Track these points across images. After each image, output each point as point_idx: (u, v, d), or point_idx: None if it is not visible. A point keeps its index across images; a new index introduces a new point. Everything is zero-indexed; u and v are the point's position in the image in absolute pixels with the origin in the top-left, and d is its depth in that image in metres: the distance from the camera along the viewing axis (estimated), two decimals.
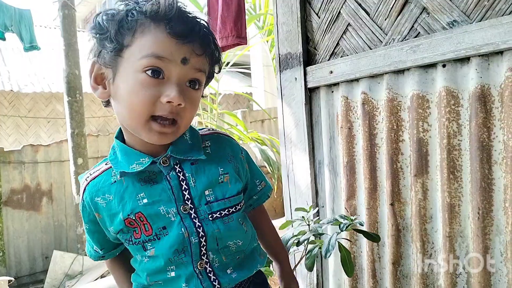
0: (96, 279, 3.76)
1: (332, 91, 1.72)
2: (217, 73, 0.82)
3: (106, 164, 0.82)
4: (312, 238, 1.35)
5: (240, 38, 1.74)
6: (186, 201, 0.78)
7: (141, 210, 0.77)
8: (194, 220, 0.78)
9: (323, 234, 1.34)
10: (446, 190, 1.29)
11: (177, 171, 0.78)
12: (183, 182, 0.78)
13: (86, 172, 0.85)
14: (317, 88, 1.76)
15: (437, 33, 1.29)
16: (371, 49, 1.52)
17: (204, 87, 0.80)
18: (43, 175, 4.81)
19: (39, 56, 7.75)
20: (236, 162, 0.86)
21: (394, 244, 1.45)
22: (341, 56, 1.64)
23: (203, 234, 0.78)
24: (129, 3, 0.71)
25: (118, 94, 0.73)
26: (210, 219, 0.79)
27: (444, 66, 1.28)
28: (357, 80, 1.58)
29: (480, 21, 1.20)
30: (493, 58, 1.19)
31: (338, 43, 1.66)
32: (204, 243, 0.78)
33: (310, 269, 1.26)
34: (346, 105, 1.64)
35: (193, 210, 0.78)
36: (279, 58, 1.88)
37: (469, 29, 1.20)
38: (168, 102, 0.69)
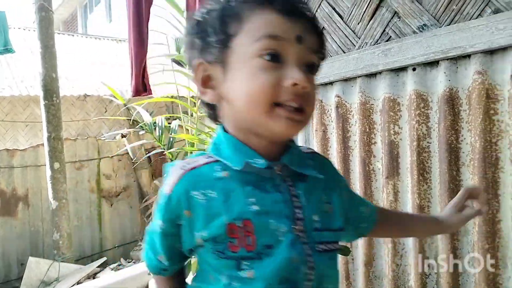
0: (73, 286, 3.68)
1: None
2: (322, 60, 0.69)
3: (206, 158, 0.68)
4: None
5: None
6: (298, 221, 0.65)
7: (251, 218, 0.63)
8: (304, 246, 0.64)
9: None
10: (416, 192, 1.31)
11: (288, 183, 0.67)
12: (295, 198, 0.66)
13: (178, 162, 0.70)
14: None
15: (408, 37, 1.31)
16: (344, 52, 1.54)
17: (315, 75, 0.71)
18: (19, 180, 4.70)
19: (17, 59, 7.60)
20: (341, 190, 0.76)
21: (367, 246, 1.46)
22: None
23: (312, 265, 0.64)
24: None
25: (232, 90, 0.64)
26: (318, 250, 0.65)
27: (414, 69, 1.31)
28: (331, 83, 1.60)
29: (449, 25, 1.23)
30: (461, 61, 1.21)
31: None
32: (311, 277, 0.64)
33: None
34: (321, 108, 1.66)
35: (304, 234, 0.65)
36: None
37: (438, 33, 1.23)
38: (294, 85, 0.60)
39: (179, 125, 4.04)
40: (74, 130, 7.79)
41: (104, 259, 4.39)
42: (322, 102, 1.65)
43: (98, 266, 4.23)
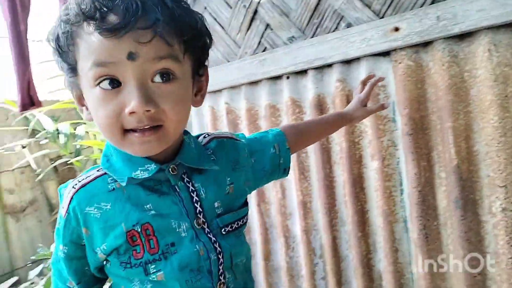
0: None
1: None
2: (189, 44, 0.62)
3: (98, 171, 0.67)
4: None
5: None
6: (199, 215, 0.68)
7: (150, 221, 0.64)
8: (208, 235, 0.68)
9: None
10: (299, 189, 1.43)
11: (185, 181, 0.68)
12: (193, 194, 0.68)
13: (70, 181, 0.69)
14: None
15: (280, 47, 1.41)
16: (228, 61, 1.60)
17: (202, 63, 0.68)
18: None
19: None
20: (242, 166, 0.77)
21: (264, 242, 1.57)
22: None
23: (220, 250, 0.68)
24: (61, 12, 0.59)
25: (91, 114, 0.63)
26: (223, 233, 0.70)
27: (288, 78, 1.41)
28: (219, 90, 1.66)
29: (312, 37, 1.34)
30: (325, 70, 1.33)
31: None
32: (222, 260, 0.68)
33: None
34: (213, 114, 1.71)
35: (206, 224, 0.68)
36: None
37: (303, 44, 1.33)
38: (131, 113, 0.56)
39: (86, 132, 3.87)
40: None
41: (16, 278, 4.11)
42: (214, 108, 1.71)
43: (10, 286, 3.96)
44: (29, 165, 4.07)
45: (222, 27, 1.59)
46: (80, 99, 0.66)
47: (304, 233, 1.43)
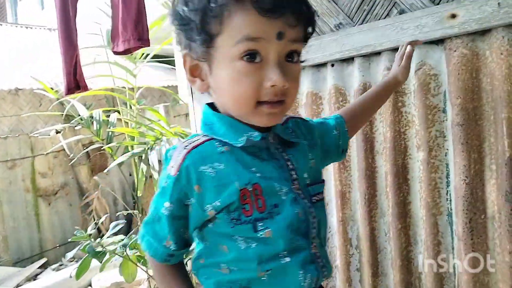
0: None
1: None
2: (311, 34, 0.70)
3: (203, 136, 0.72)
4: None
5: (142, 41, 1.74)
6: (294, 181, 0.73)
7: (258, 182, 0.69)
8: (304, 200, 0.73)
9: None
10: (338, 179, 1.41)
11: (279, 150, 0.74)
12: (288, 162, 0.74)
13: (176, 145, 0.73)
14: None
15: (326, 34, 1.40)
16: None
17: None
18: None
19: None
20: (314, 145, 0.82)
21: None
22: None
23: (314, 215, 0.73)
24: None
25: (218, 86, 0.69)
26: (313, 201, 0.74)
27: (332, 65, 1.40)
28: None
29: (361, 24, 1.32)
30: (373, 58, 1.31)
31: None
32: (315, 225, 0.73)
33: None
34: None
35: (301, 191, 0.73)
36: None
37: (351, 31, 1.32)
38: (273, 86, 0.64)
39: (118, 119, 3.95)
40: (6, 127, 7.33)
41: (45, 260, 4.24)
42: None
43: (39, 267, 4.08)
44: (63, 150, 4.19)
45: None
46: (193, 70, 0.71)
47: (341, 224, 1.42)
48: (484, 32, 1.08)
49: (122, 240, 1.55)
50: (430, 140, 1.19)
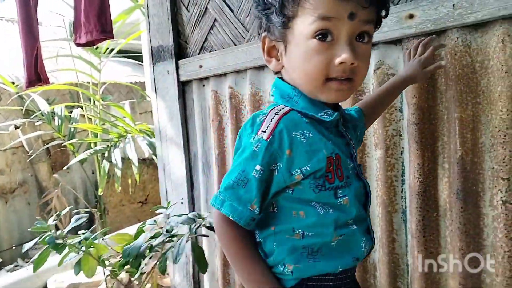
0: None
1: (204, 85, 1.76)
2: (384, 17, 0.76)
3: (283, 107, 0.75)
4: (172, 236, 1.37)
5: (105, 33, 1.70)
6: (354, 159, 0.80)
7: (339, 153, 0.74)
8: (361, 176, 0.81)
9: (176, 236, 1.36)
10: None
11: (343, 129, 0.81)
12: (351, 141, 0.81)
13: (261, 111, 0.76)
14: (190, 81, 1.79)
15: None
16: (235, 45, 1.59)
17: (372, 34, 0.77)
18: None
19: None
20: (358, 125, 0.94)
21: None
22: (210, 51, 1.69)
23: (367, 189, 0.81)
24: None
25: (291, 64, 0.74)
26: (362, 177, 0.82)
27: None
28: (224, 74, 1.65)
29: None
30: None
31: (206, 38, 1.70)
32: (369, 199, 0.82)
33: (163, 272, 1.28)
34: (216, 99, 1.70)
35: (358, 167, 0.81)
36: (151, 50, 1.87)
37: None
38: (341, 63, 0.68)
39: (81, 115, 3.83)
40: None
41: None
42: (217, 93, 1.69)
43: None
44: (22, 146, 4.03)
45: (231, 10, 1.58)
46: (270, 51, 0.78)
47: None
48: (440, 33, 1.10)
49: (84, 234, 1.49)
50: (387, 138, 1.21)
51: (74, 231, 1.95)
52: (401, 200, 1.22)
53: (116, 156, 3.38)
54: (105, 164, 3.43)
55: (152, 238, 1.32)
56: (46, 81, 2.16)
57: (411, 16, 1.11)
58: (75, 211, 3.49)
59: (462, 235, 1.08)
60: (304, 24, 0.69)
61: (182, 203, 1.84)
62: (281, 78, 0.80)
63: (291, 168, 0.71)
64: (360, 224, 0.78)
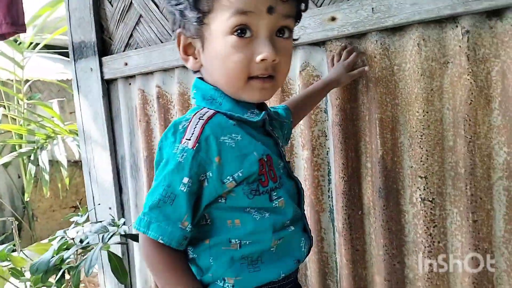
0: None
1: (130, 84, 1.68)
2: (304, 11, 0.74)
3: (208, 110, 0.70)
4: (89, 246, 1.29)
5: (17, 26, 1.56)
6: (283, 158, 0.78)
7: (270, 153, 0.71)
8: (292, 174, 0.79)
9: (89, 246, 1.28)
10: None
11: (271, 128, 0.78)
12: (278, 140, 0.78)
13: (183, 117, 0.70)
14: (115, 80, 1.70)
15: None
16: (162, 42, 1.53)
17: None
18: None
19: None
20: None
21: None
22: (136, 48, 1.61)
23: (298, 185, 0.80)
24: None
25: (210, 62, 0.70)
26: (291, 174, 0.79)
27: None
28: (151, 73, 1.58)
29: None
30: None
31: (132, 34, 1.62)
32: (303, 196, 0.81)
33: (76, 287, 1.20)
34: (143, 98, 1.63)
35: (287, 164, 0.78)
36: (73, 46, 1.75)
37: None
38: (263, 60, 0.65)
39: (3, 114, 3.55)
40: None
41: None
42: (144, 92, 1.62)
43: None
44: None
45: (157, 5, 1.52)
46: (186, 49, 0.73)
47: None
48: (360, 36, 1.12)
49: None
50: (313, 139, 1.21)
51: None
52: (328, 199, 1.23)
53: (44, 158, 3.18)
54: (32, 167, 3.21)
55: (64, 249, 1.23)
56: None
57: (333, 19, 1.12)
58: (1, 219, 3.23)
59: (385, 232, 1.11)
60: (221, 20, 0.65)
61: (110, 208, 1.75)
62: (201, 78, 0.76)
63: (222, 176, 0.66)
64: (297, 224, 0.76)
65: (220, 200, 0.69)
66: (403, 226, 1.11)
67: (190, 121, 0.68)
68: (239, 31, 0.65)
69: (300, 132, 1.25)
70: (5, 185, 3.99)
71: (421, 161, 1.05)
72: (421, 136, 1.05)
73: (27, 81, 3.54)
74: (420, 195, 1.06)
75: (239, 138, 0.68)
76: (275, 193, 0.71)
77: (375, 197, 1.13)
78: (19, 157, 3.27)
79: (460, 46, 0.99)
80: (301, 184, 0.81)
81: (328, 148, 1.21)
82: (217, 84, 0.71)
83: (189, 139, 0.65)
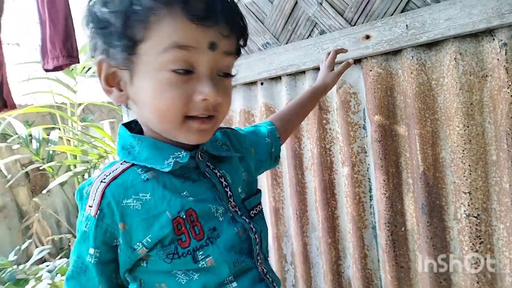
0: None
1: None
2: (243, 47, 0.67)
3: (122, 164, 0.64)
4: None
5: (72, 58, 1.70)
6: (230, 199, 0.68)
7: (192, 207, 0.62)
8: (242, 217, 0.68)
9: None
10: (271, 196, 1.42)
11: (211, 168, 0.69)
12: (221, 179, 0.69)
13: (90, 179, 0.64)
14: None
15: (254, 53, 1.41)
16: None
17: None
18: None
19: None
20: (246, 155, 0.79)
21: None
22: None
23: (255, 230, 0.69)
24: None
25: (140, 97, 0.61)
26: (252, 215, 0.71)
27: (262, 84, 1.41)
28: None
29: (286, 43, 1.35)
30: (299, 76, 1.34)
31: None
32: (258, 240, 0.69)
33: None
34: None
35: (237, 207, 0.69)
36: None
37: (277, 50, 1.34)
38: (204, 100, 0.59)
39: (59, 137, 3.79)
40: None
41: None
42: None
43: None
44: (0, 171, 3.96)
45: None
46: (109, 79, 0.63)
47: (276, 240, 1.43)
48: (395, 52, 1.13)
49: (48, 266, 1.47)
50: (353, 156, 1.23)
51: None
52: (370, 215, 1.23)
53: None
54: None
55: None
56: (12, 106, 2.14)
57: (367, 37, 1.14)
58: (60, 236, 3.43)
59: (430, 249, 1.10)
60: (156, 51, 0.57)
61: None
62: (127, 125, 0.69)
63: (131, 243, 0.61)
64: (245, 277, 0.67)
65: (142, 263, 0.64)
66: (448, 243, 1.09)
67: (92, 186, 0.62)
68: (177, 68, 0.58)
69: (340, 149, 1.27)
70: (61, 203, 4.24)
71: (464, 176, 1.04)
72: (463, 151, 1.04)
73: (80, 104, 3.76)
74: (464, 211, 1.04)
75: (148, 198, 0.61)
76: (201, 253, 0.62)
77: (418, 213, 1.12)
78: (74, 177, 3.47)
79: (498, 59, 0.97)
80: (258, 224, 0.71)
81: (368, 164, 1.22)
82: (148, 122, 0.65)
83: (91, 206, 0.60)
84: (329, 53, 1.11)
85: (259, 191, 0.77)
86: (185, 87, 0.58)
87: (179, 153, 0.64)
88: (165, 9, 0.57)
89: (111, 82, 0.63)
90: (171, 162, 0.63)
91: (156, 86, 0.58)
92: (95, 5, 0.60)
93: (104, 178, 0.62)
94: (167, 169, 0.62)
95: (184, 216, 0.61)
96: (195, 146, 0.67)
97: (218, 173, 0.69)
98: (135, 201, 0.61)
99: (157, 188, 0.62)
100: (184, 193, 0.63)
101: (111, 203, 0.60)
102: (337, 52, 1.10)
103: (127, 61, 0.59)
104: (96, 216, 0.60)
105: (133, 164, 0.64)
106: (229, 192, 0.69)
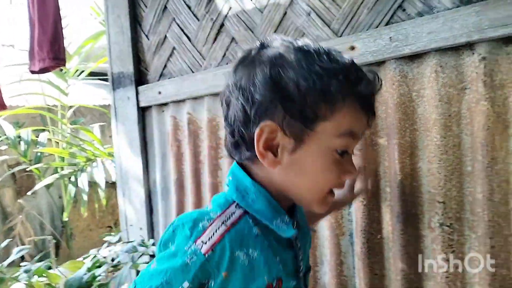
0: None
1: (163, 111, 1.78)
2: None
3: (237, 208, 0.66)
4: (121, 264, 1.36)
5: (58, 60, 1.72)
6: (300, 273, 0.72)
7: (282, 277, 0.65)
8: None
9: (119, 265, 1.35)
10: None
11: (295, 238, 0.71)
12: (300, 251, 0.72)
13: (212, 214, 0.64)
14: (150, 107, 1.81)
15: None
16: (193, 72, 1.63)
17: None
18: None
19: None
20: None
21: None
22: (169, 78, 1.72)
23: None
24: (333, 69, 0.61)
25: (298, 168, 0.65)
26: None
27: None
28: (183, 101, 1.67)
29: None
30: None
31: (166, 65, 1.73)
32: None
33: None
34: (175, 124, 1.72)
35: (301, 282, 0.73)
36: (112, 76, 1.88)
37: None
38: (348, 178, 0.68)
39: (48, 139, 3.78)
40: None
41: None
42: (176, 118, 1.72)
43: None
44: None
45: (189, 38, 1.63)
46: (270, 143, 0.64)
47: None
48: (379, 64, 1.16)
49: (25, 266, 1.46)
50: None
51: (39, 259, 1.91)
52: (348, 223, 1.25)
53: (83, 180, 3.34)
54: (71, 188, 3.38)
55: (97, 267, 1.31)
56: (2, 107, 2.15)
57: (352, 48, 1.17)
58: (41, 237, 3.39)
59: (403, 257, 1.11)
60: (333, 133, 0.62)
61: (141, 229, 1.83)
62: (241, 164, 0.70)
63: None
64: None
65: None
66: (421, 251, 1.11)
67: (212, 223, 0.63)
68: (342, 150, 0.65)
69: None
70: (46, 205, 4.20)
71: (439, 186, 1.06)
72: (439, 161, 1.06)
73: (71, 107, 3.76)
74: (438, 220, 1.07)
75: (255, 256, 0.63)
76: None
77: (394, 221, 1.14)
78: (61, 179, 3.45)
79: (477, 73, 1.01)
80: None
81: None
82: (288, 187, 0.67)
83: (205, 243, 0.61)
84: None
85: (311, 267, 0.83)
86: (341, 168, 0.66)
87: (284, 216, 0.68)
88: (350, 97, 0.63)
89: (271, 146, 0.65)
90: (278, 224, 0.66)
91: (323, 164, 0.64)
92: (284, 76, 0.61)
93: (226, 221, 0.64)
94: (287, 235, 0.67)
95: (274, 284, 0.65)
96: (291, 212, 0.72)
97: (298, 245, 0.71)
98: (244, 256, 0.62)
99: (264, 247, 0.64)
100: (277, 258, 0.66)
101: (225, 249, 0.61)
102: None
103: (301, 132, 0.63)
104: (206, 256, 0.60)
105: (246, 212, 0.66)
106: (301, 266, 0.72)
